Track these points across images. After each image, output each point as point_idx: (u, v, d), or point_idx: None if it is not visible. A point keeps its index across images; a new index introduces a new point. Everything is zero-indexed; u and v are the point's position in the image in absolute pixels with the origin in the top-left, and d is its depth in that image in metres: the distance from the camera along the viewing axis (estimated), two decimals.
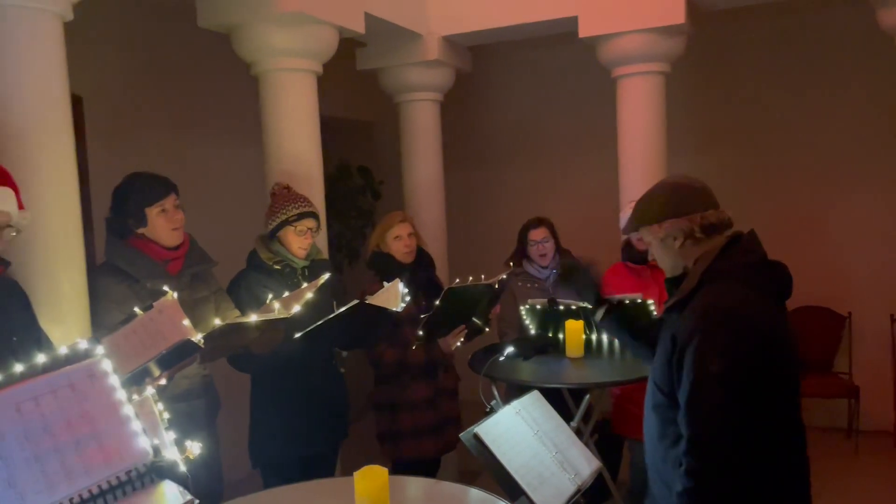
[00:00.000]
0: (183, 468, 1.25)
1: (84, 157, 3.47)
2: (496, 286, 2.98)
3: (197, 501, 1.21)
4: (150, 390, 1.51)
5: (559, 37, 4.41)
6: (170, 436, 1.24)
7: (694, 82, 5.13)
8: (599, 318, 2.19)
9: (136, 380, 1.85)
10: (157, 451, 1.27)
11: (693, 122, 5.15)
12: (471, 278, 2.96)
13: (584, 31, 3.96)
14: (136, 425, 1.28)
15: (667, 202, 1.80)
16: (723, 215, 1.78)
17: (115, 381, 1.31)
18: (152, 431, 1.34)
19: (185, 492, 1.21)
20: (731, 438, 1.60)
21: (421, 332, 2.81)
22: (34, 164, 2.16)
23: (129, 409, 1.29)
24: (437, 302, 2.75)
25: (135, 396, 1.34)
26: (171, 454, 1.30)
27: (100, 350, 1.34)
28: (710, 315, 1.66)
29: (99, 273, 2.46)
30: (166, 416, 1.40)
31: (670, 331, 1.73)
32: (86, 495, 1.17)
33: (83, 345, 1.34)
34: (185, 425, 2.44)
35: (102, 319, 2.34)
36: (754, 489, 1.64)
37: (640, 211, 1.88)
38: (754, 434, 1.61)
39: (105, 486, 1.18)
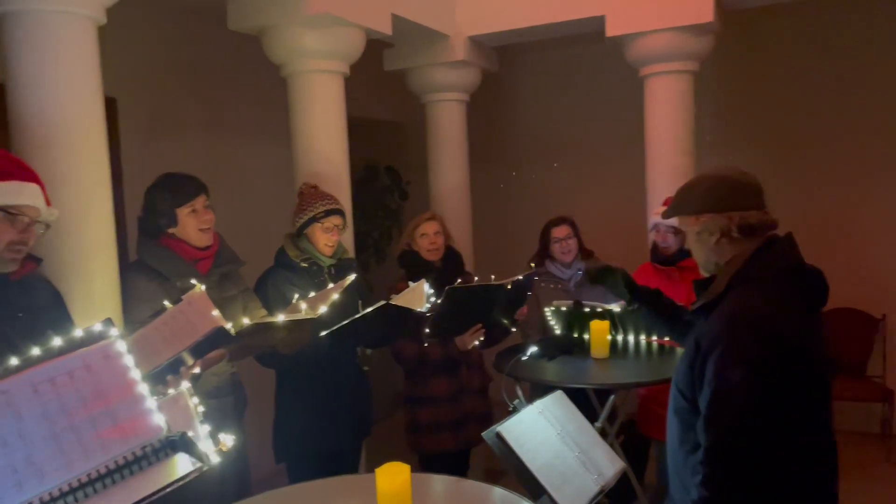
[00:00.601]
0: (195, 441, 1.28)
1: (118, 157, 3.55)
2: (508, 287, 2.97)
3: (206, 468, 1.24)
4: (185, 384, 1.55)
5: (586, 36, 4.39)
6: (204, 429, 1.27)
7: (722, 81, 5.07)
8: (633, 309, 2.16)
9: (171, 369, 1.90)
10: (170, 426, 1.30)
11: (721, 121, 5.09)
12: (493, 277, 2.97)
13: (611, 31, 3.94)
14: (151, 402, 1.31)
15: (708, 195, 1.73)
16: (766, 217, 1.70)
17: (129, 360, 1.35)
18: (187, 425, 1.37)
19: (196, 461, 1.24)
20: (749, 450, 1.56)
21: (427, 330, 2.82)
22: (69, 165, 2.22)
23: (143, 388, 1.33)
24: (439, 301, 2.76)
25: (170, 391, 1.38)
26: (206, 447, 1.34)
27: (114, 332, 1.38)
28: (735, 322, 1.60)
29: (130, 271, 2.52)
30: (201, 409, 1.44)
31: (694, 335, 1.70)
32: (103, 471, 1.21)
33: (98, 327, 1.39)
34: (214, 422, 2.50)
35: (133, 317, 2.40)
36: (774, 500, 1.62)
37: (680, 199, 1.82)
38: (775, 446, 1.57)
39: (121, 462, 1.22)
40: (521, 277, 3.05)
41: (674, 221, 3.11)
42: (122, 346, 1.36)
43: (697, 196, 1.76)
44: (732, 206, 1.70)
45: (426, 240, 3.27)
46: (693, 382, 1.67)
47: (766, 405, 1.55)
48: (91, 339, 1.35)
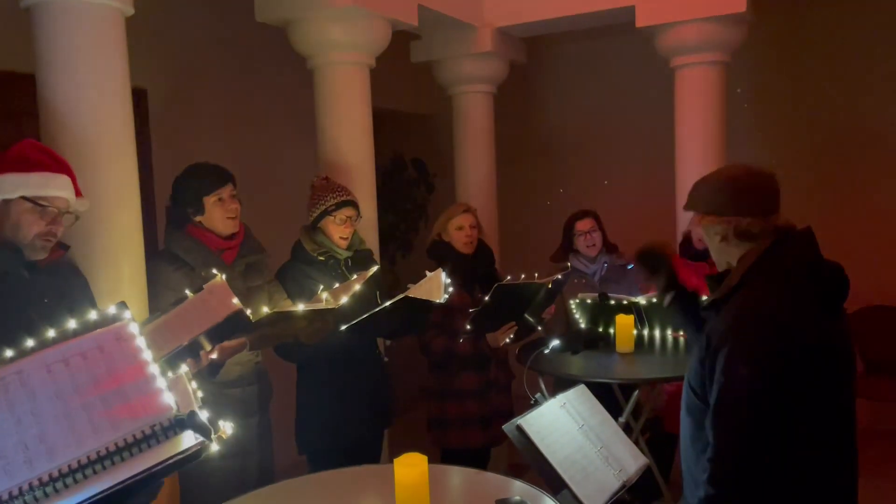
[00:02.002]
0: (203, 420, 1.29)
1: (148, 148, 3.60)
2: (549, 286, 2.95)
3: (208, 442, 1.25)
4: (183, 368, 1.56)
5: (615, 27, 4.33)
6: (203, 414, 1.28)
7: (755, 72, 4.97)
8: (667, 303, 2.11)
9: (188, 353, 1.92)
10: (179, 405, 1.31)
11: (753, 113, 4.98)
12: (523, 276, 2.95)
13: (641, 21, 3.88)
14: (161, 382, 1.33)
15: (712, 196, 1.72)
16: (767, 225, 1.66)
17: (141, 342, 1.37)
18: (186, 408, 1.39)
19: (199, 436, 1.25)
20: (755, 448, 1.54)
21: (469, 326, 2.82)
22: (97, 155, 2.25)
23: (154, 368, 1.35)
24: (486, 298, 2.75)
25: (168, 374, 1.40)
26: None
27: (127, 314, 1.41)
28: (744, 319, 1.58)
29: (157, 259, 2.55)
30: (200, 394, 1.45)
31: (706, 331, 1.67)
32: (112, 448, 1.23)
33: (112, 310, 1.41)
34: (237, 411, 2.53)
35: (157, 304, 2.43)
36: (791, 499, 1.59)
37: (692, 194, 1.80)
38: (789, 443, 1.55)
39: (130, 440, 1.24)
40: (559, 277, 3.04)
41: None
42: (134, 328, 1.38)
43: (703, 195, 1.75)
44: (732, 211, 1.67)
45: (462, 233, 3.24)
46: (704, 379, 1.65)
47: (773, 401, 1.53)
48: (105, 321, 1.38)
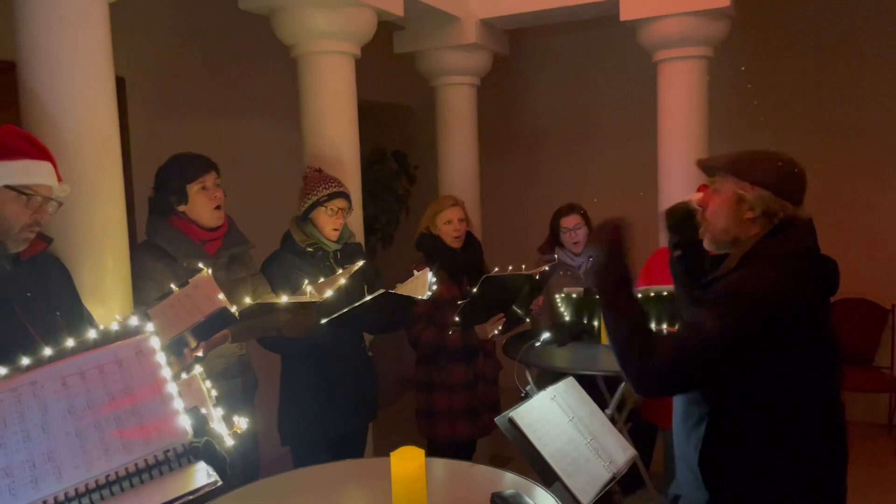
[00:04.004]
0: (222, 449, 1.24)
1: (126, 137, 3.53)
2: (537, 277, 2.96)
3: (220, 483, 1.20)
4: (197, 368, 1.52)
5: (599, 20, 4.34)
6: (218, 412, 1.24)
7: (737, 67, 5.01)
8: (673, 257, 2.09)
9: (172, 349, 1.88)
10: (197, 431, 1.26)
11: (735, 107, 5.03)
12: (510, 267, 2.95)
13: (625, 14, 3.89)
14: (178, 403, 1.27)
15: (776, 174, 1.70)
16: (803, 216, 1.70)
17: (161, 358, 1.31)
18: (200, 407, 1.34)
19: (213, 473, 1.20)
20: (684, 369, 1.60)
21: (457, 319, 2.82)
22: (80, 144, 2.19)
23: (172, 388, 1.29)
24: (475, 290, 2.75)
25: (183, 375, 1.35)
26: (219, 429, 1.31)
27: (150, 327, 1.35)
28: (732, 290, 1.61)
29: (139, 251, 2.51)
30: (214, 393, 1.41)
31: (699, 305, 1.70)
32: (122, 473, 1.17)
33: (134, 321, 1.36)
34: (221, 404, 2.49)
35: (140, 296, 2.39)
36: (782, 485, 1.61)
37: (741, 162, 1.74)
38: (779, 428, 1.60)
39: (142, 465, 1.19)
40: (547, 268, 3.04)
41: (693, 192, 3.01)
42: (156, 342, 1.32)
43: (766, 168, 1.71)
44: (790, 195, 1.69)
45: (451, 227, 3.23)
46: None
47: (716, 363, 1.58)
48: (126, 333, 1.32)
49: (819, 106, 4.97)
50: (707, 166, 1.83)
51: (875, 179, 4.91)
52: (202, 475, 1.19)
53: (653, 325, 3.35)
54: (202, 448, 1.23)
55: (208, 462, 1.22)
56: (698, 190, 3.33)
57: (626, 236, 1.85)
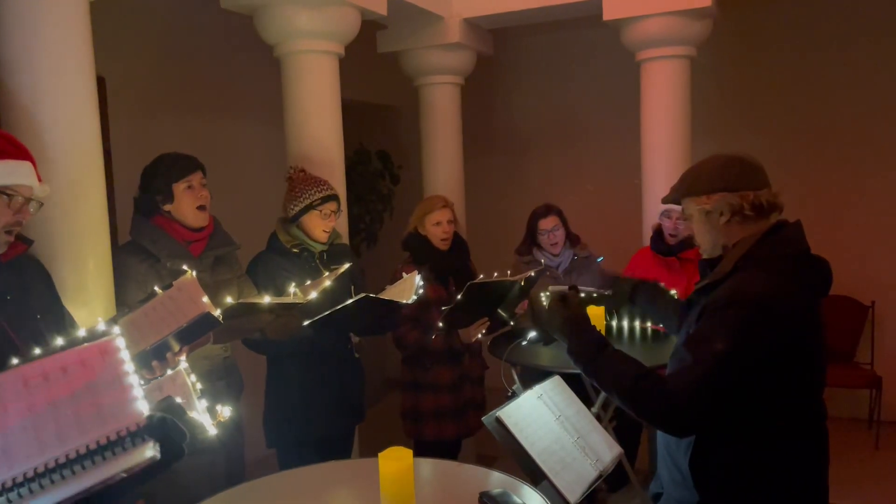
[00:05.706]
0: (182, 423, 1.22)
1: (107, 137, 3.48)
2: (522, 283, 2.95)
3: (158, 457, 1.17)
4: (183, 364, 1.51)
5: (582, 20, 4.35)
6: (202, 404, 1.22)
7: (719, 67, 5.05)
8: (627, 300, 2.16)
9: (156, 354, 1.86)
10: (155, 411, 1.24)
11: (717, 107, 5.08)
12: (496, 274, 2.94)
13: (608, 14, 3.91)
14: (138, 392, 1.26)
15: (720, 174, 1.71)
16: (774, 197, 1.70)
17: (125, 355, 1.30)
18: (186, 402, 1.33)
19: (156, 449, 1.18)
20: (706, 401, 1.58)
21: (441, 324, 2.81)
22: (60, 144, 2.17)
23: (133, 379, 1.28)
24: (459, 296, 2.74)
25: (167, 371, 1.34)
26: (204, 420, 1.29)
27: (116, 330, 1.34)
28: (735, 299, 1.60)
29: (122, 252, 2.48)
30: (199, 386, 1.40)
31: (697, 311, 1.70)
32: (73, 455, 1.16)
33: (101, 326, 1.35)
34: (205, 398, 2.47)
35: (123, 298, 2.36)
36: (764, 480, 1.62)
37: (688, 180, 1.78)
38: (765, 425, 1.61)
39: (93, 446, 1.17)
40: (532, 274, 3.04)
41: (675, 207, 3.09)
42: (120, 342, 1.32)
43: (710, 175, 1.73)
44: (745, 184, 1.69)
45: (440, 229, 3.22)
46: None
47: (736, 382, 1.57)
48: (93, 337, 1.31)
49: (800, 105, 5.03)
50: (669, 199, 1.86)
51: (855, 177, 4.97)
52: (150, 453, 1.17)
53: (625, 322, 3.39)
54: (155, 423, 1.20)
55: (164, 439, 1.20)
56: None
57: (573, 300, 1.94)
